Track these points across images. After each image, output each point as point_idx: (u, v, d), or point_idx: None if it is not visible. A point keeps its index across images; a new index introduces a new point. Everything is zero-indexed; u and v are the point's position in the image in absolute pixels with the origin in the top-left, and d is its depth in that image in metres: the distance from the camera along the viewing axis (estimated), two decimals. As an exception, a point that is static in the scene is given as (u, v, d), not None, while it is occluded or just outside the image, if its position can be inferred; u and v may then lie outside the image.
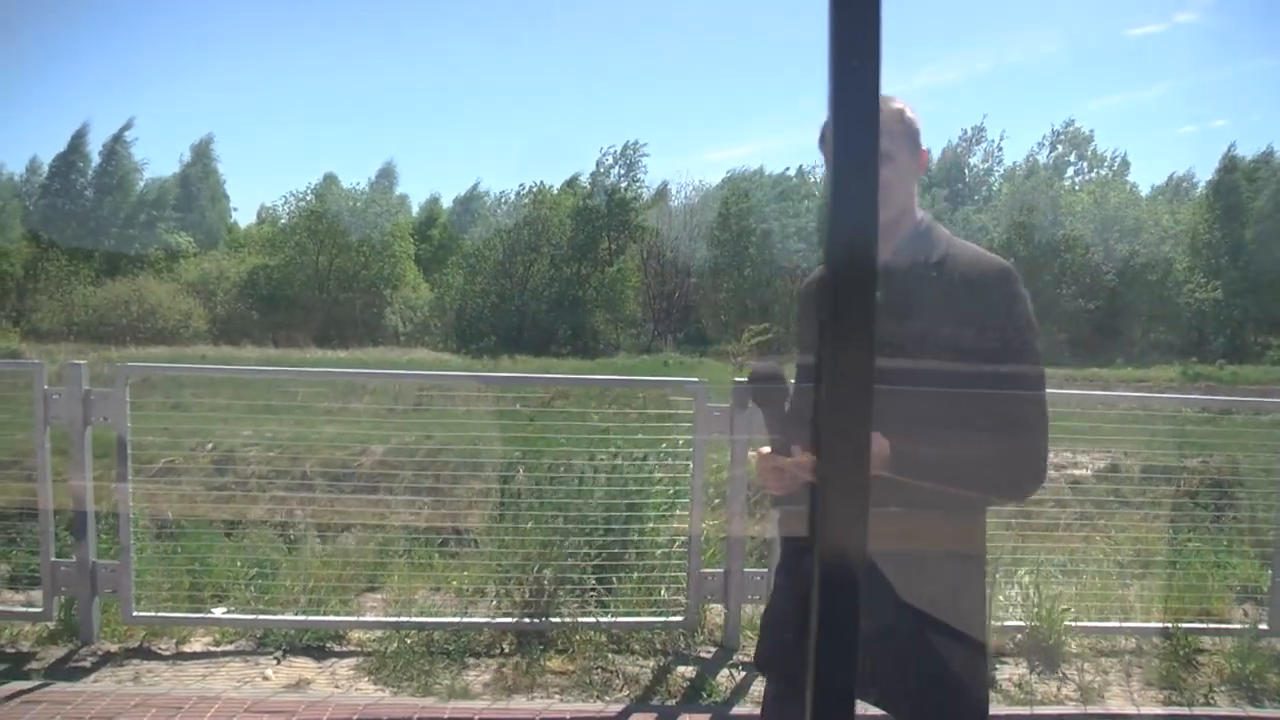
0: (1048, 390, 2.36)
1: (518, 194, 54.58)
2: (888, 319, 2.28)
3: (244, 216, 64.22)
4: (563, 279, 50.38)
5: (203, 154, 57.93)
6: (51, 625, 5.12)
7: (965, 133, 59.24)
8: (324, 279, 50.52)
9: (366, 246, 50.92)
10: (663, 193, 57.03)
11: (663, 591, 5.42)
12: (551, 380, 7.08)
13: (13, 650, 4.97)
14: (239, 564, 5.67)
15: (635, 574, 5.41)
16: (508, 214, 53.76)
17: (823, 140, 2.33)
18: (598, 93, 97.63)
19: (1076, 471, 10.32)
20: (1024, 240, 49.67)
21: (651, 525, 5.60)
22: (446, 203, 62.65)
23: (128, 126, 54.07)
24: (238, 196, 78.53)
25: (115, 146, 53.46)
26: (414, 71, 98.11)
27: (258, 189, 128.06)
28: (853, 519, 1.11)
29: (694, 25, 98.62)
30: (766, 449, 2.37)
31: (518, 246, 50.87)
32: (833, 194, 1.08)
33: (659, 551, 5.55)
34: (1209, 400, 9.45)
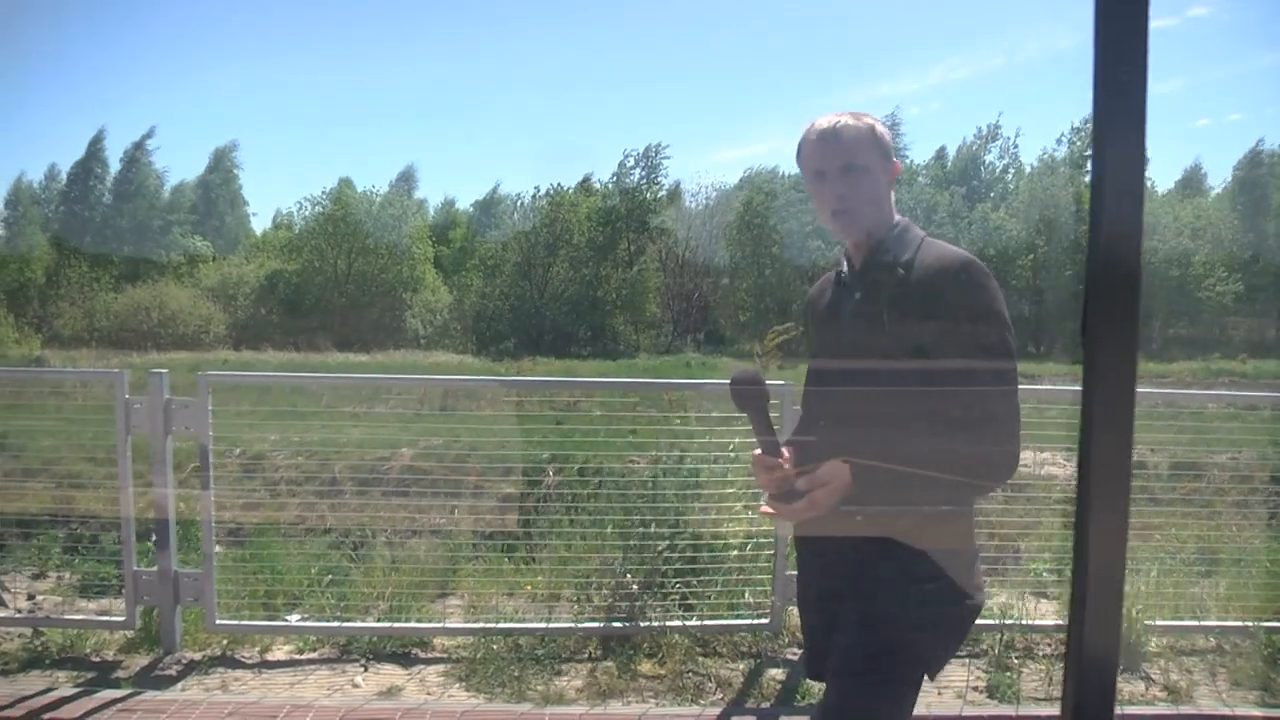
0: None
1: (534, 196, 54.65)
2: (860, 321, 2.46)
3: (259, 222, 64.56)
4: (582, 281, 50.40)
5: (223, 160, 58.21)
6: (130, 634, 5.11)
7: (980, 130, 59.04)
8: (343, 283, 50.65)
9: (385, 250, 51.03)
10: (677, 193, 57.06)
11: (747, 594, 5.38)
12: (628, 385, 6.97)
13: (97, 659, 4.96)
14: (313, 570, 5.65)
15: (718, 577, 5.38)
16: (525, 216, 53.74)
17: (799, 155, 2.53)
18: (606, 93, 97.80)
19: None
20: (1044, 237, 49.53)
21: (731, 527, 5.56)
22: (465, 206, 62.91)
23: (149, 135, 54.39)
24: (254, 202, 78.84)
25: (136, 154, 53.80)
26: (429, 75, 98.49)
27: (273, 194, 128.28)
28: (1114, 524, 1.10)
29: (702, 25, 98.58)
30: (758, 451, 2.44)
31: (537, 249, 50.93)
32: (1096, 203, 1.07)
33: (734, 554, 5.50)
34: (1235, 396, 9.34)
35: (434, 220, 59.44)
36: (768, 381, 2.49)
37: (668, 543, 5.35)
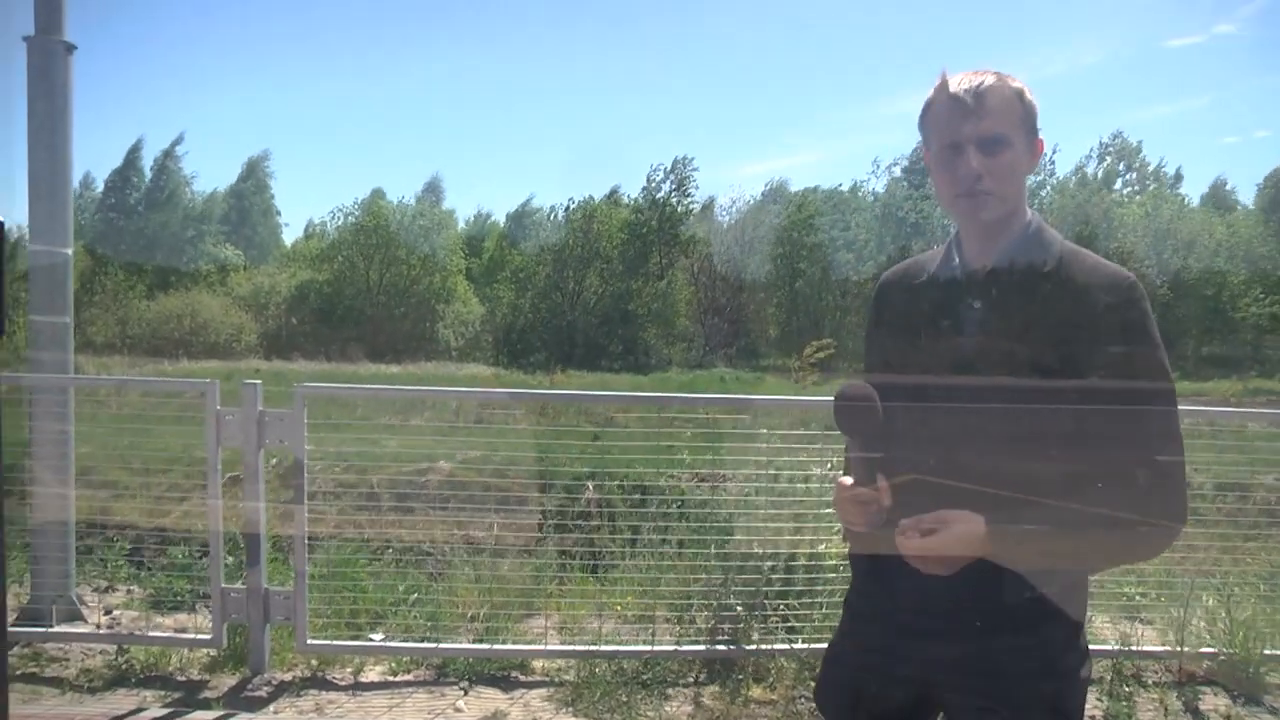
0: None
1: (566, 209, 54.65)
2: (994, 335, 2.02)
3: (291, 232, 64.96)
4: (613, 294, 50.40)
5: (256, 169, 58.51)
6: (213, 652, 4.98)
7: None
8: (374, 293, 50.75)
9: (417, 261, 51.12)
10: (709, 207, 57.03)
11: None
12: (730, 400, 6.78)
13: (183, 678, 4.83)
14: (401, 588, 5.51)
15: (822, 598, 5.22)
16: (555, 229, 53.73)
17: (924, 119, 2.11)
18: (629, 104, 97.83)
19: None
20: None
21: (833, 548, 5.40)
22: (498, 217, 63.11)
23: (178, 141, 54.76)
24: (284, 211, 79.28)
25: (165, 162, 54.09)
26: (458, 86, 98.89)
27: (303, 204, 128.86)
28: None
29: (730, 40, 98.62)
30: (847, 479, 2.03)
31: (568, 261, 50.91)
32: None
33: (839, 574, 5.34)
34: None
35: (466, 231, 59.56)
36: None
37: (771, 563, 5.20)
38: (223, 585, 4.86)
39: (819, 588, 5.24)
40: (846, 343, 47.11)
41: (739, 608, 5.06)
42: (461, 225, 60.15)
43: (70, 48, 5.43)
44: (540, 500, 6.67)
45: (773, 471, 5.64)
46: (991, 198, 2.01)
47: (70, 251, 5.52)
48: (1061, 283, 1.99)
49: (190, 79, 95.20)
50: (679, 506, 6.10)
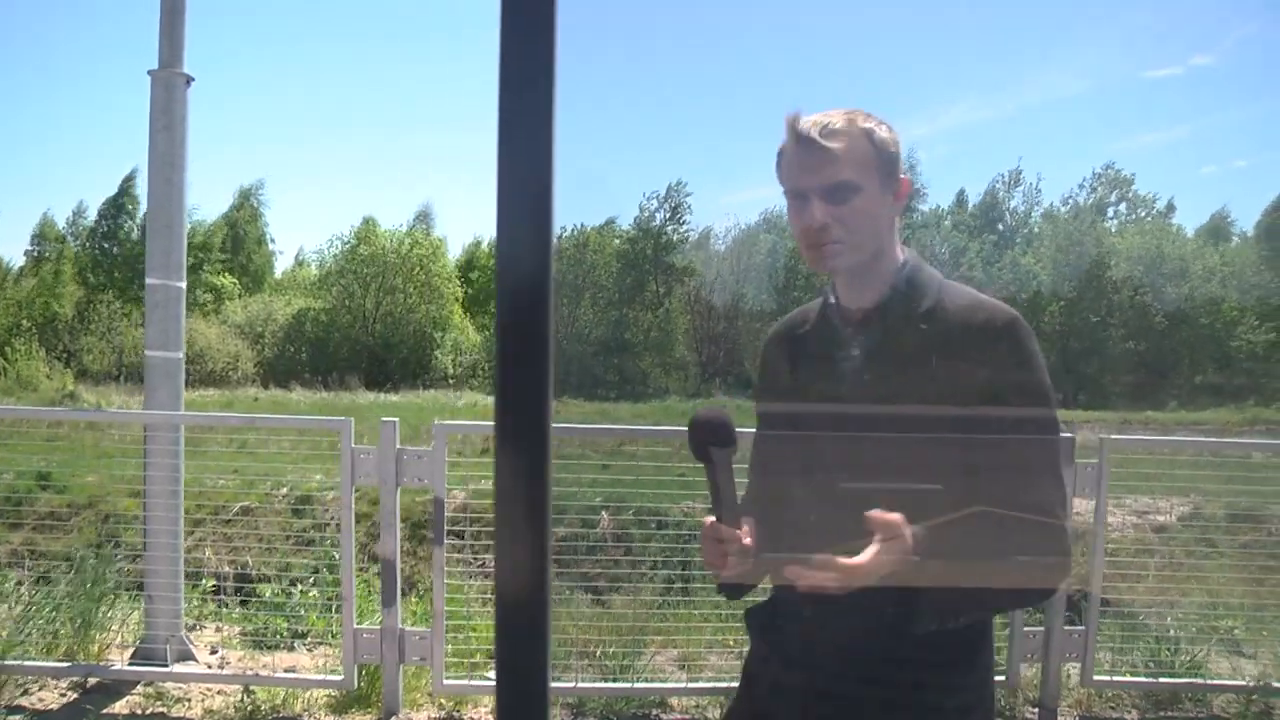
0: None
1: (560, 237, 54.63)
2: (869, 384, 1.92)
3: (283, 261, 64.97)
4: (609, 322, 50.34)
5: (249, 198, 58.48)
6: (334, 693, 4.92)
7: (1003, 176, 58.93)
8: (370, 321, 50.63)
9: (413, 288, 51.07)
10: (705, 235, 57.08)
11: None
12: None
13: (312, 720, 4.76)
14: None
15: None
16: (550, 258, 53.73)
17: (777, 166, 1.97)
18: (626, 132, 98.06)
19: (1159, 518, 10.06)
20: (1071, 283, 49.51)
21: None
22: (487, 245, 63.04)
23: (175, 172, 54.60)
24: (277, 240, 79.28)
25: (164, 191, 53.93)
26: (444, 112, 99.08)
27: (294, 233, 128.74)
28: None
29: (709, 65, 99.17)
30: (711, 518, 1.85)
31: (563, 290, 50.86)
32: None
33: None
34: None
35: (458, 260, 59.54)
36: None
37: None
38: (354, 625, 4.80)
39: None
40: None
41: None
42: (456, 253, 60.13)
43: (189, 80, 5.40)
44: (630, 532, 6.64)
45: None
46: (841, 246, 1.89)
47: (184, 285, 5.48)
48: (938, 324, 1.89)
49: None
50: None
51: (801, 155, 1.89)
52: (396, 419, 4.82)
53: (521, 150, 0.68)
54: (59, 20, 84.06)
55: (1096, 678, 4.99)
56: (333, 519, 9.86)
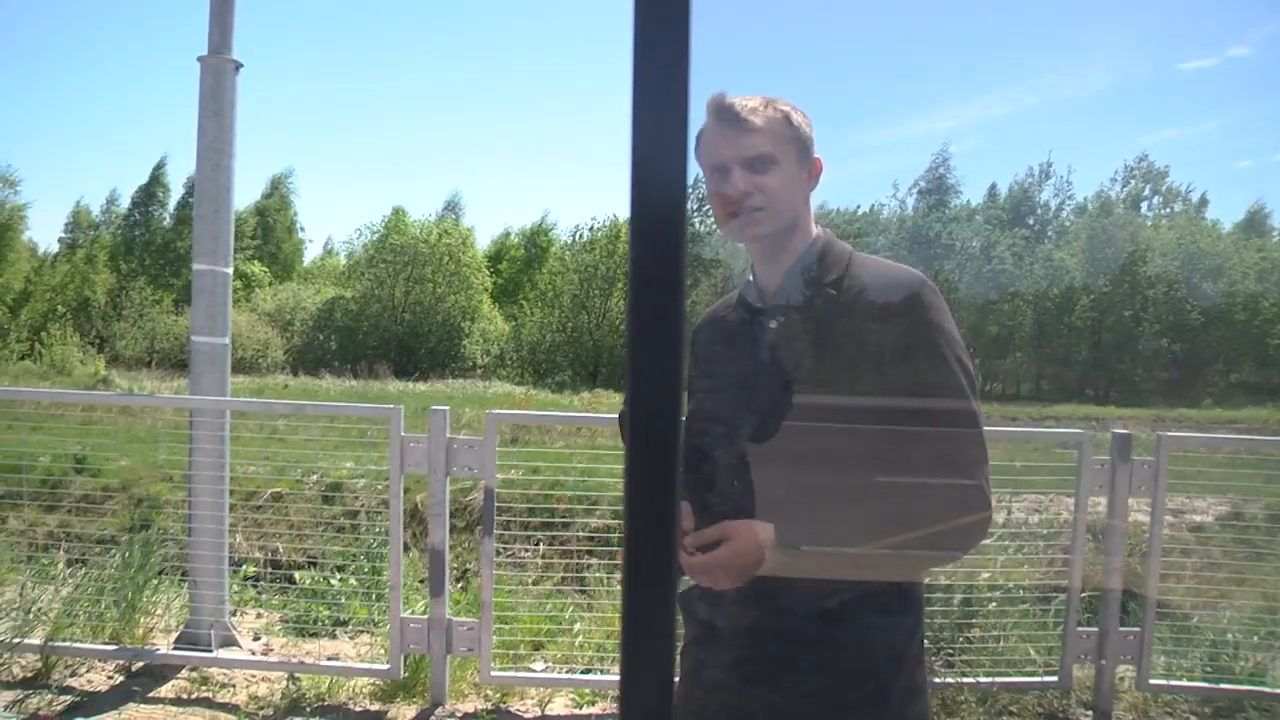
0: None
1: (591, 228, 54.63)
2: (781, 355, 1.97)
3: (312, 250, 65.34)
4: (638, 314, 50.35)
5: (279, 186, 58.75)
6: (378, 682, 4.90)
7: (1034, 169, 58.50)
8: (400, 310, 50.77)
9: (441, 278, 51.17)
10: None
11: (1030, 649, 5.12)
12: None
13: (358, 709, 4.74)
14: (567, 615, 5.44)
15: (997, 631, 5.12)
16: (583, 248, 53.65)
17: (697, 146, 2.04)
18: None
19: (1196, 517, 9.92)
20: (1105, 278, 49.10)
21: (1011, 580, 5.31)
22: (515, 236, 63.17)
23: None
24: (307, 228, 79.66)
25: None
26: (472, 102, 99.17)
27: (322, 222, 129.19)
28: None
29: (730, 60, 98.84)
30: None
31: (594, 280, 50.88)
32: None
33: (1018, 606, 5.25)
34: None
35: (487, 251, 59.64)
36: None
37: (952, 594, 5.12)
38: (402, 615, 4.78)
39: (998, 619, 5.16)
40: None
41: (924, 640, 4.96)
42: (485, 244, 60.22)
43: (238, 66, 5.37)
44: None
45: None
46: (761, 213, 1.97)
47: (230, 271, 5.46)
48: (848, 292, 1.94)
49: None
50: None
51: (723, 129, 1.97)
52: (447, 408, 4.79)
53: (655, 139, 0.65)
54: (94, 9, 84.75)
55: (1153, 681, 4.90)
56: (363, 505, 9.87)
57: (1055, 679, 4.92)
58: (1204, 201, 58.18)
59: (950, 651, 5.04)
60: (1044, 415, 34.91)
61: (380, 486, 9.76)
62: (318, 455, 9.24)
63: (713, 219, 2.17)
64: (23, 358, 42.43)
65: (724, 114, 1.97)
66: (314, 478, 10.92)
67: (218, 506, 5.32)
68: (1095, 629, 4.91)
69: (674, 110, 0.63)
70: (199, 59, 5.29)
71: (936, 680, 4.86)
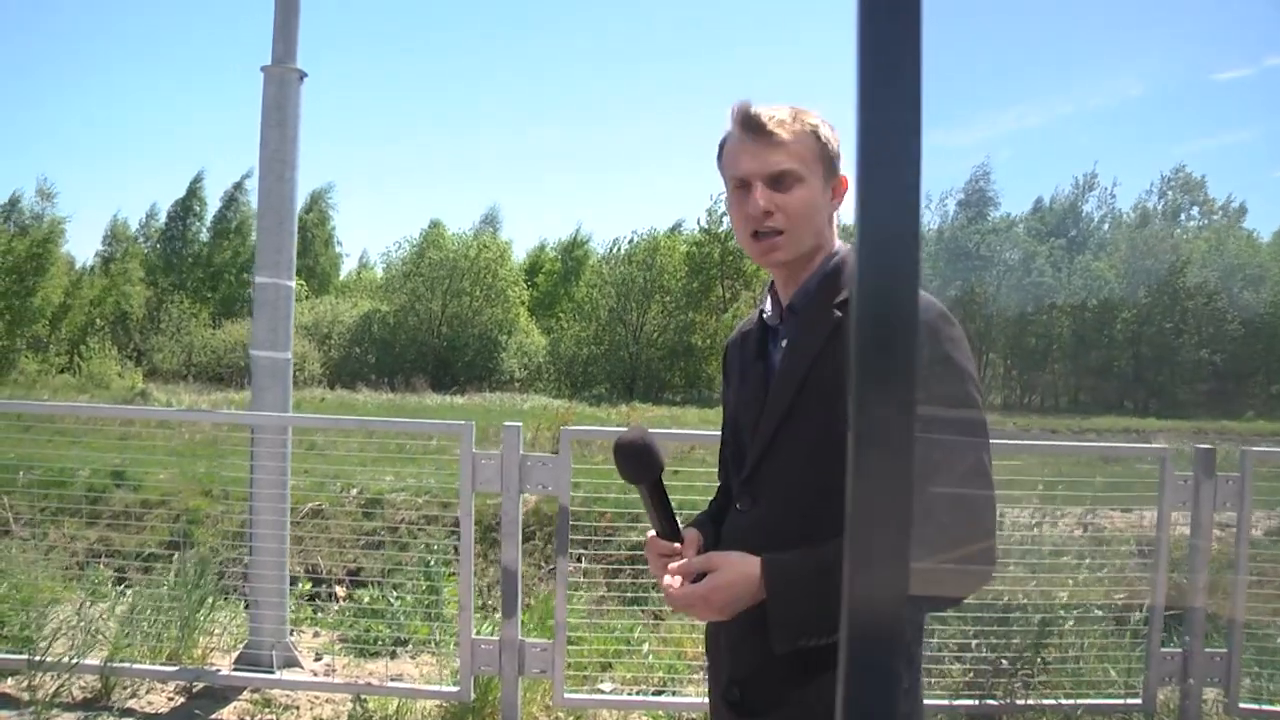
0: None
1: (630, 241, 54.63)
2: (789, 375, 1.88)
3: (348, 264, 65.81)
4: (675, 327, 50.24)
5: (319, 201, 59.11)
6: (448, 704, 4.78)
7: (1077, 180, 57.98)
8: (437, 324, 50.94)
9: (479, 292, 51.31)
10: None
11: (1111, 671, 4.95)
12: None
13: (428, 732, 4.63)
14: (636, 635, 5.31)
15: (1078, 652, 4.96)
16: (620, 261, 53.66)
17: (720, 156, 1.97)
18: (681, 133, 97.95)
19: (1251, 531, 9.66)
20: (1145, 289, 48.68)
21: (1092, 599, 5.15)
22: (552, 249, 63.35)
23: (248, 175, 55.58)
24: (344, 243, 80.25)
25: (235, 194, 54.85)
26: (510, 116, 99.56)
27: (353, 234, 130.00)
28: None
29: (761, 73, 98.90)
30: (652, 533, 1.94)
31: (631, 294, 50.88)
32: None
33: (1100, 627, 5.09)
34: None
35: (523, 264, 59.86)
36: None
37: (1030, 614, 4.96)
38: (473, 636, 4.65)
39: (1078, 639, 5.00)
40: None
41: (1003, 660, 4.81)
42: (520, 257, 60.39)
43: (302, 76, 5.29)
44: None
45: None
46: (781, 237, 1.88)
47: (293, 284, 5.37)
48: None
49: (249, 112, 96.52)
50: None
51: (748, 143, 1.88)
52: (519, 424, 4.68)
53: (886, 151, 0.62)
54: (139, 19, 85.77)
55: (1243, 705, 4.72)
56: (402, 520, 9.78)
57: (1139, 701, 4.75)
58: (1242, 211, 57.52)
59: (1028, 673, 4.88)
60: (1084, 428, 34.58)
61: (420, 502, 9.67)
62: (356, 471, 9.17)
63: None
64: (61, 371, 42.79)
65: (749, 124, 1.87)
66: (354, 491, 10.85)
67: (279, 525, 5.21)
68: (1180, 650, 4.74)
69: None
70: (262, 69, 5.21)
71: (1019, 702, 4.72)
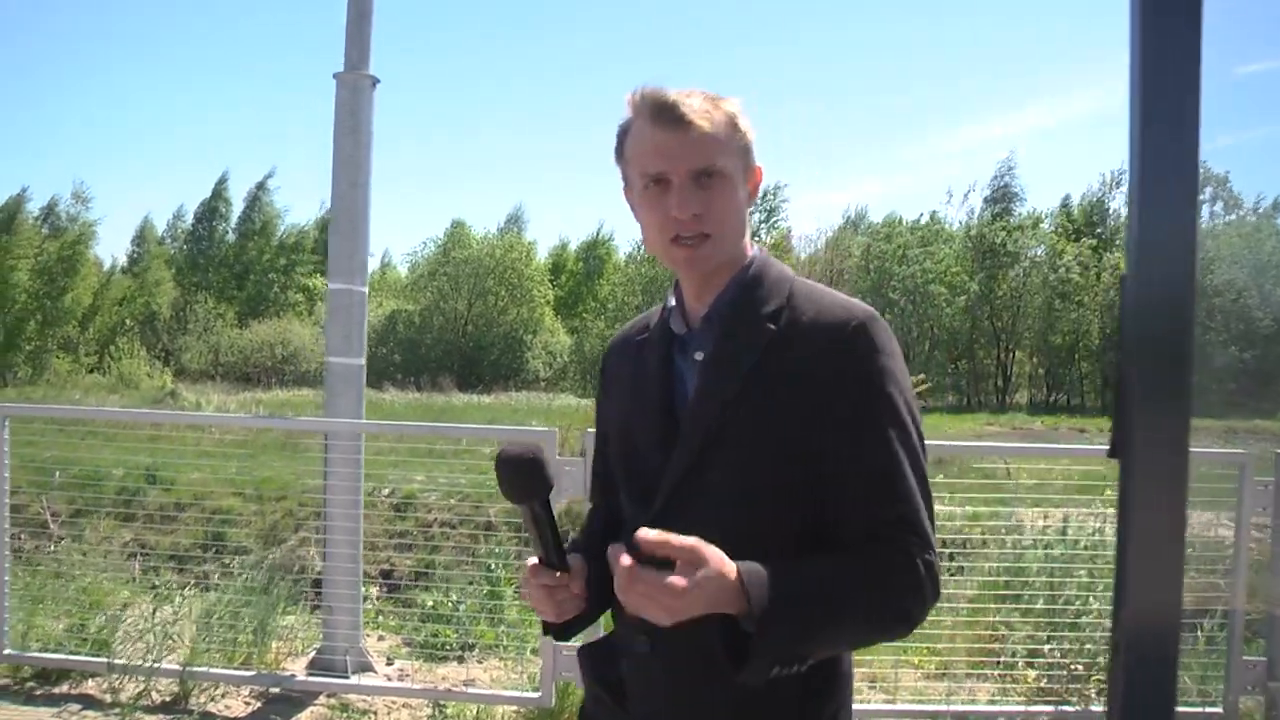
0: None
1: (652, 242, 54.62)
2: (710, 391, 1.67)
3: (371, 264, 66.08)
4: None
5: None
6: (526, 710, 4.80)
7: (1104, 177, 57.60)
8: (462, 323, 51.08)
9: (504, 291, 51.44)
10: (786, 237, 56.60)
11: (1185, 678, 4.91)
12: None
13: (511, 738, 4.64)
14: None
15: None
16: (645, 259, 53.70)
17: (623, 146, 1.73)
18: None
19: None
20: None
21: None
22: (574, 247, 63.40)
23: (270, 175, 56.04)
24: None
25: (258, 194, 55.19)
26: (533, 116, 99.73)
27: (375, 234, 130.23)
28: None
29: (786, 71, 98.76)
30: (534, 560, 1.65)
31: (656, 293, 50.88)
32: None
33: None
34: None
35: (546, 263, 59.94)
36: None
37: (1102, 619, 4.95)
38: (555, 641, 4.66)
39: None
40: (941, 379, 46.68)
41: (1078, 665, 4.79)
42: (544, 256, 60.41)
43: (375, 81, 5.31)
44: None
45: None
46: (711, 241, 1.66)
47: (365, 290, 5.39)
48: (786, 326, 1.66)
49: (273, 114, 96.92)
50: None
51: (664, 135, 1.64)
52: (593, 430, 4.66)
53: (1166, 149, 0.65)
54: (171, 21, 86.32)
55: (1329, 712, 4.67)
56: (436, 519, 9.77)
57: (1219, 710, 4.70)
58: (1276, 206, 57.05)
59: (1100, 680, 4.86)
60: (1110, 427, 34.34)
61: (453, 502, 9.67)
62: (387, 472, 9.17)
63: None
64: (91, 371, 43.13)
65: (665, 113, 1.63)
66: (387, 492, 10.85)
67: (353, 530, 5.23)
68: (1264, 658, 4.69)
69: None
70: (335, 75, 5.24)
71: (1094, 709, 4.69)
